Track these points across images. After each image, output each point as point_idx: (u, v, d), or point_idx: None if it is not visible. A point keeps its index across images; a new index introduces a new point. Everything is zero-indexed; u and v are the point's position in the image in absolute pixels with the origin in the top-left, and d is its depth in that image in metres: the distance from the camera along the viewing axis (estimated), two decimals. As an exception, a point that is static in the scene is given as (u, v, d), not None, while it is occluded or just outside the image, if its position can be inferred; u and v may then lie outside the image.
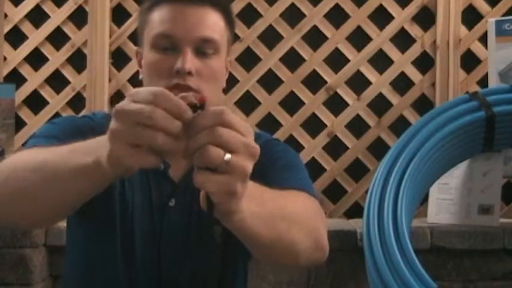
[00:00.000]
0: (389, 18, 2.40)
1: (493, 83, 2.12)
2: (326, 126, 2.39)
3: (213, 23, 1.10)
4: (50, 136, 1.09)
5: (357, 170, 2.37)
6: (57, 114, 2.39)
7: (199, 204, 1.13)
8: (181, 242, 1.13)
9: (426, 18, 2.39)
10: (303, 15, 2.40)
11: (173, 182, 1.14)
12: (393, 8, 2.39)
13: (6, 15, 2.42)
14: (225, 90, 2.38)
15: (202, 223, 1.13)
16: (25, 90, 2.40)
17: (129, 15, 2.41)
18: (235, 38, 2.34)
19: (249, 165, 0.74)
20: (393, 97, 2.39)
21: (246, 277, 1.27)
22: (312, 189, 1.13)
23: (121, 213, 1.12)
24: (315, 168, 2.35)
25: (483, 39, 2.30)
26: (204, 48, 1.09)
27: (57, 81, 2.42)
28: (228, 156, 0.71)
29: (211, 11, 1.11)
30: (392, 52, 2.39)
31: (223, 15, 1.13)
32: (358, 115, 2.39)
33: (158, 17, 1.10)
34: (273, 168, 1.12)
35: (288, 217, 0.93)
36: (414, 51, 2.38)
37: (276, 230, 0.89)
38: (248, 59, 2.40)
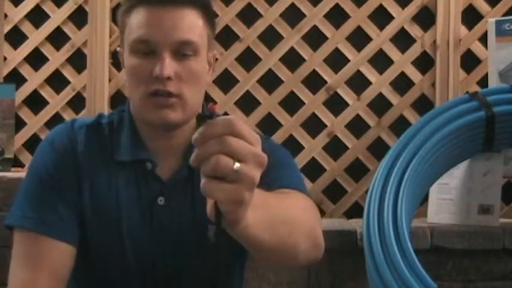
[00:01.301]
0: (389, 18, 2.40)
1: (493, 83, 2.12)
2: (326, 126, 2.39)
3: (190, 24, 1.09)
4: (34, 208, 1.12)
5: (357, 170, 2.37)
6: (57, 114, 2.40)
7: (190, 203, 1.15)
8: (173, 241, 1.14)
9: (426, 18, 2.39)
10: (303, 15, 2.40)
11: (162, 180, 1.15)
12: (393, 8, 2.39)
13: (6, 15, 2.42)
14: (225, 90, 2.38)
15: (194, 222, 1.14)
16: (25, 90, 2.40)
17: (129, 15, 2.40)
18: (234, 37, 2.37)
19: (257, 175, 0.74)
20: (393, 97, 2.39)
21: (242, 275, 1.27)
22: (304, 187, 1.14)
23: (110, 214, 1.13)
24: (315, 168, 2.36)
25: (483, 39, 2.30)
26: (182, 50, 1.09)
27: (57, 81, 2.42)
28: (237, 165, 0.71)
29: (188, 11, 1.09)
30: (392, 52, 2.39)
31: (202, 13, 1.12)
32: (358, 115, 2.39)
33: (135, 22, 1.10)
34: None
35: (289, 221, 0.94)
36: (414, 51, 2.38)
37: (278, 235, 0.90)
38: (248, 59, 2.40)
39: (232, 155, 0.71)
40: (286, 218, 0.93)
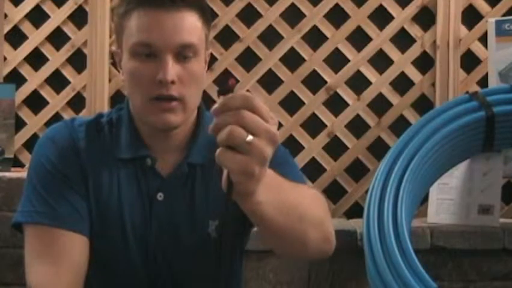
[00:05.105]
0: (389, 18, 2.40)
1: (493, 83, 2.12)
2: (326, 126, 2.39)
3: (190, 27, 1.10)
4: (44, 203, 1.12)
5: (357, 170, 2.38)
6: (57, 114, 2.40)
7: (189, 199, 1.16)
8: (172, 236, 1.15)
9: (426, 18, 2.39)
10: (303, 15, 2.40)
11: (161, 176, 1.16)
12: (393, 8, 2.39)
13: (6, 15, 2.42)
14: (225, 90, 2.38)
15: (193, 217, 1.15)
16: (25, 90, 2.40)
17: (129, 15, 2.40)
18: (234, 37, 2.37)
19: (268, 150, 0.78)
20: (393, 97, 2.39)
21: (241, 271, 1.28)
22: (306, 183, 1.17)
23: (113, 210, 1.14)
24: (315, 168, 2.36)
25: (483, 39, 2.30)
26: (183, 53, 1.10)
27: (57, 81, 2.42)
28: (250, 137, 0.76)
29: (187, 13, 1.10)
30: (392, 52, 2.39)
31: (200, 14, 1.13)
32: (358, 115, 2.39)
33: (135, 25, 1.10)
34: None
35: (300, 207, 0.97)
36: (414, 51, 2.38)
37: (288, 218, 0.93)
38: (248, 59, 2.40)
39: (246, 128, 0.76)
40: (297, 204, 0.96)
